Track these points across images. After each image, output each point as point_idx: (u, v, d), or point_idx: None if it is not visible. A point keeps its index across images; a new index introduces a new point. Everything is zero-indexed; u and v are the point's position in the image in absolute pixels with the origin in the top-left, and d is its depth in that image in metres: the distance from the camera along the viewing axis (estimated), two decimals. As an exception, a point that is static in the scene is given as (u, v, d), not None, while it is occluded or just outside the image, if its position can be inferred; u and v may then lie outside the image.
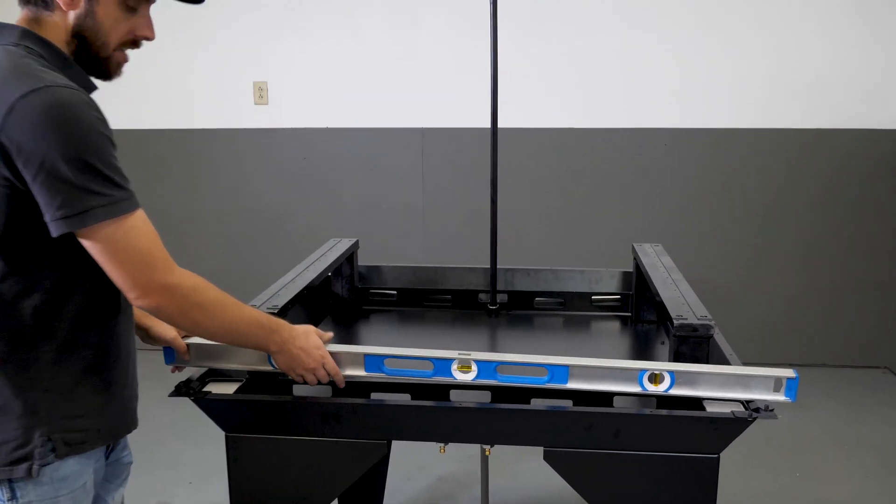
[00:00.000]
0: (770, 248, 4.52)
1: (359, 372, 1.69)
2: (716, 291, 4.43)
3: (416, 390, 1.79)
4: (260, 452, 1.78)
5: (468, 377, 1.66)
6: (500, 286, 2.59)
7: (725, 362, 1.85)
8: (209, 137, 4.69)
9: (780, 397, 1.64)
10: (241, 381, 1.82)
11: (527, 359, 1.67)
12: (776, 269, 4.55)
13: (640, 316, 2.52)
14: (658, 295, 2.07)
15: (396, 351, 1.70)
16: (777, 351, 4.61)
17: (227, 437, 1.78)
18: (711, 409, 1.65)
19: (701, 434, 1.64)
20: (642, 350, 2.34)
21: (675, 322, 1.76)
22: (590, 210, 4.57)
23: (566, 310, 2.61)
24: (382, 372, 1.68)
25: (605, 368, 1.65)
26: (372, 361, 1.68)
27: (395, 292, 2.68)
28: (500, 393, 1.75)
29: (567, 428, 1.67)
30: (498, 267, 2.55)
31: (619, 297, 2.60)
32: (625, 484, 1.70)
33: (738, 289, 4.57)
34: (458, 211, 4.58)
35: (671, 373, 1.63)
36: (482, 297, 2.61)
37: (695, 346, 1.76)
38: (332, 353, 1.68)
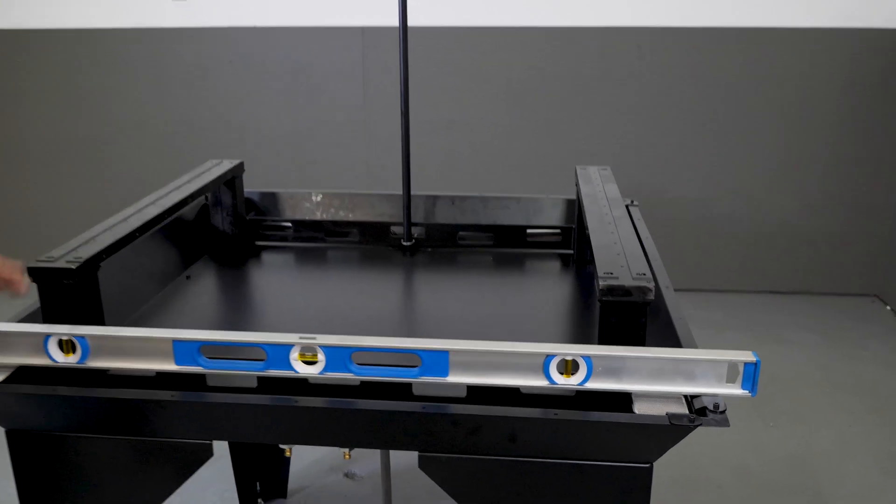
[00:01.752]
0: (751, 164, 4.05)
1: (168, 366, 1.25)
2: (690, 212, 3.98)
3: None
4: (50, 453, 1.35)
5: (313, 370, 1.21)
6: (417, 217, 2.22)
7: (673, 337, 1.41)
8: (121, 38, 4.14)
9: (736, 390, 1.21)
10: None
11: (391, 343, 1.22)
12: (756, 188, 4.09)
13: (585, 254, 2.08)
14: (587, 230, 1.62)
15: (213, 335, 1.24)
16: (755, 277, 4.21)
17: (6, 433, 1.35)
18: (641, 408, 1.21)
19: (626, 441, 1.21)
20: (583, 301, 1.91)
21: (601, 283, 1.30)
22: (545, 125, 4.05)
23: (496, 246, 2.16)
24: (199, 365, 1.24)
25: (500, 353, 1.20)
26: (183, 350, 1.23)
27: (290, 225, 2.22)
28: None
29: (446, 431, 1.23)
30: (414, 194, 2.13)
31: (559, 231, 2.14)
32: (524, 499, 1.28)
33: (714, 209, 4.11)
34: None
35: (587, 359, 1.18)
36: (395, 230, 2.17)
37: (627, 315, 1.30)
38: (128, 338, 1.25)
